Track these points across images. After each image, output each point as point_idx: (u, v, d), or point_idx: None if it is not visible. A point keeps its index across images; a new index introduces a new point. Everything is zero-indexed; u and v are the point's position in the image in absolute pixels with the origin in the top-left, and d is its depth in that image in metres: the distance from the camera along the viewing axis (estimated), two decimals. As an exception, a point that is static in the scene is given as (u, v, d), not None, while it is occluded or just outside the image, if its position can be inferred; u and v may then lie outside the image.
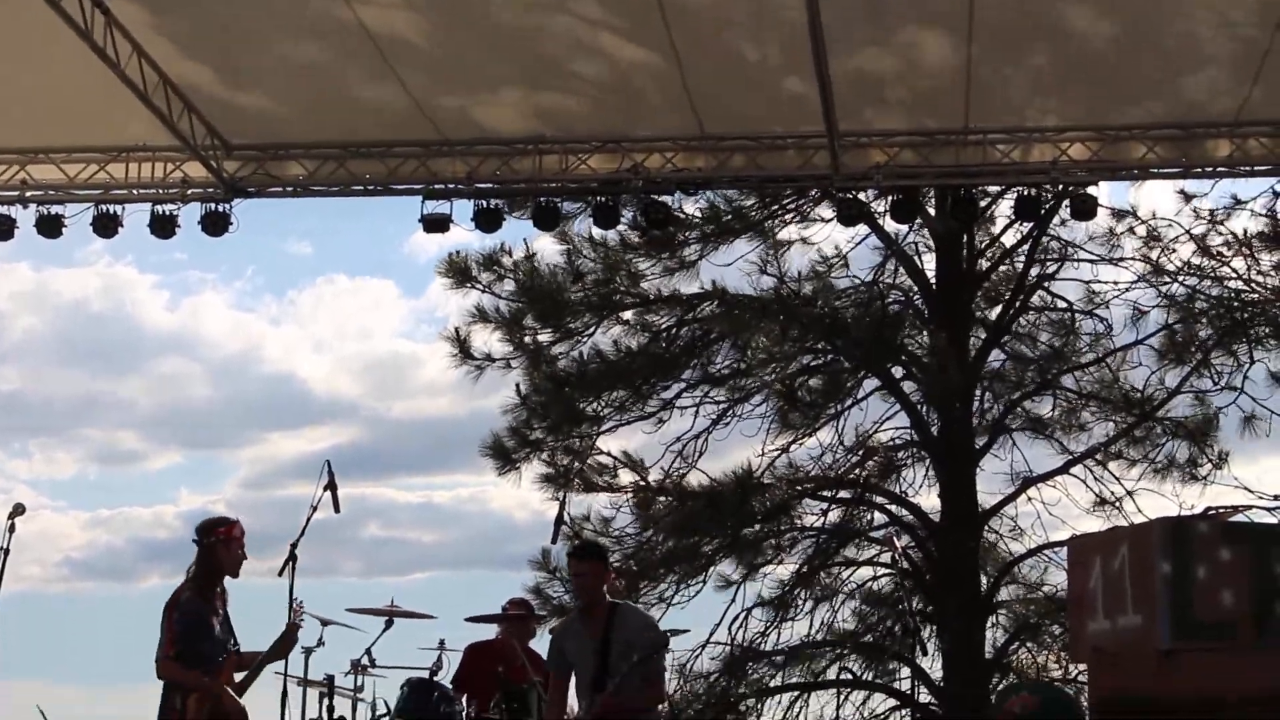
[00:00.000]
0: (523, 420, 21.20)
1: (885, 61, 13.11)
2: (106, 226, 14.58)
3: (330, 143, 14.52)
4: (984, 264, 21.51)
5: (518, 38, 13.00)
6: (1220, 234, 20.59)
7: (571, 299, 21.21)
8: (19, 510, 10.99)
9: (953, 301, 21.07)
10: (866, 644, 21.27)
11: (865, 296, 21.34)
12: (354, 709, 12.84)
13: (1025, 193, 14.50)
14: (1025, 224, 19.72)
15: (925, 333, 21.26)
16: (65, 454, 46.09)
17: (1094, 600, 7.68)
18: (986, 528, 21.11)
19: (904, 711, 21.14)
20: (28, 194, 14.60)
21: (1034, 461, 20.94)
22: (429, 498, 45.05)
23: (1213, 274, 20.66)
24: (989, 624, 21.05)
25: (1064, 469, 20.87)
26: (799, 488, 21.30)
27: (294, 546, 11.31)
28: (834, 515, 21.64)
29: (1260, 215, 20.41)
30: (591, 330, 21.37)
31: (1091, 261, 20.92)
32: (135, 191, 14.62)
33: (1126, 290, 20.81)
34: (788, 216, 21.23)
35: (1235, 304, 20.56)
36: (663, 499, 21.16)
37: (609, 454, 21.29)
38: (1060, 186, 14.35)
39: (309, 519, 11.57)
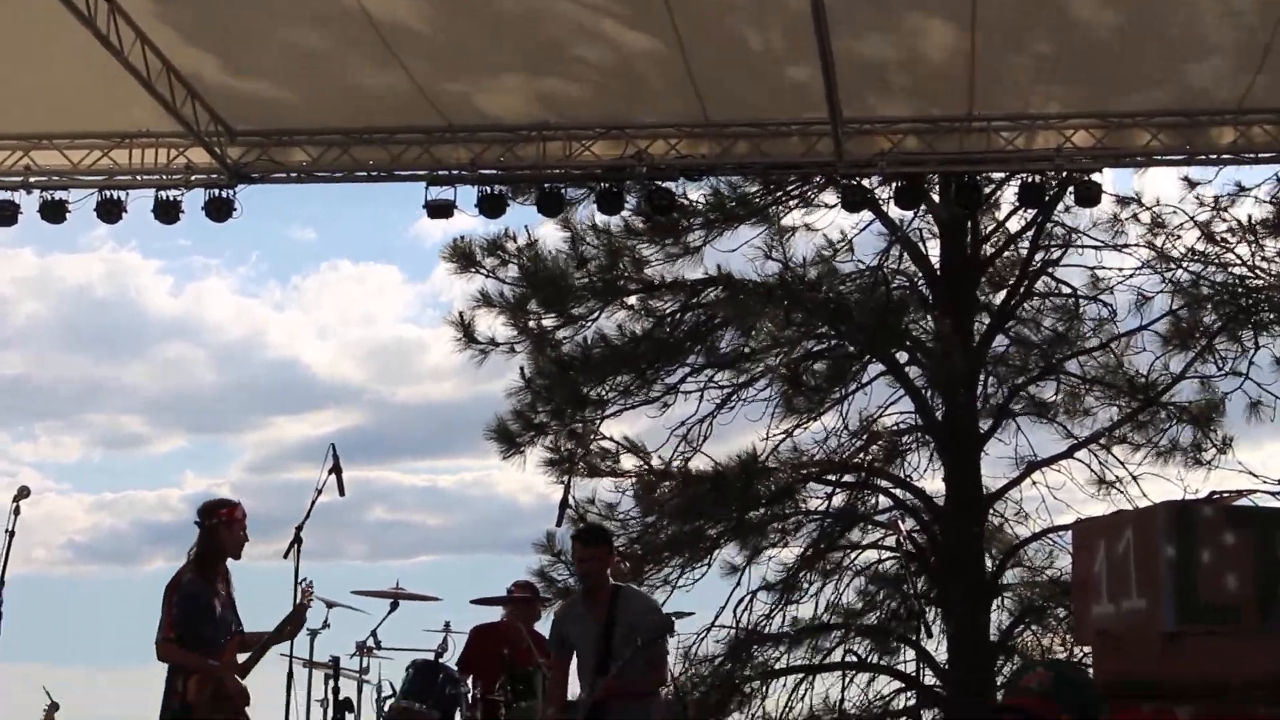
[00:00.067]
0: (527, 404, 21.23)
1: (889, 48, 13.11)
2: (110, 212, 14.60)
3: (334, 129, 14.54)
4: (988, 250, 21.52)
5: (520, 24, 13.01)
6: (1224, 220, 20.60)
7: (575, 284, 21.22)
8: (24, 493, 11.00)
9: (957, 287, 21.08)
10: (871, 627, 21.30)
11: (869, 282, 21.35)
12: (359, 691, 12.86)
13: (1029, 179, 14.50)
14: (1029, 210, 19.71)
15: (929, 318, 21.27)
16: (70, 437, 46.18)
17: (1098, 584, 7.69)
18: (991, 512, 21.13)
19: (908, 694, 21.16)
20: (31, 179, 14.63)
21: (1038, 446, 21.00)
22: (434, 481, 45.12)
23: (1217, 260, 20.68)
24: (994, 607, 21.08)
25: (1068, 453, 20.90)
26: (803, 472, 21.32)
27: (299, 529, 11.34)
28: (838, 499, 21.69)
29: (1264, 202, 20.43)
30: (596, 315, 21.39)
31: (1096, 248, 20.97)
32: (139, 177, 14.65)
33: (1131, 276, 20.85)
34: (792, 203, 21.24)
35: (1240, 290, 20.57)
36: (667, 483, 21.18)
37: (611, 439, 21.34)
38: (1064, 173, 14.36)
39: (314, 502, 11.61)
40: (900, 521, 18.94)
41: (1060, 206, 20.24)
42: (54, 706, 11.21)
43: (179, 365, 43.53)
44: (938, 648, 20.45)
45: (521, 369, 21.15)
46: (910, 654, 20.72)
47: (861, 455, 21.51)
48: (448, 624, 13.10)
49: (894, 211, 20.28)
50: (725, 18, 12.91)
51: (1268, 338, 20.40)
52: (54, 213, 14.61)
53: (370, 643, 12.98)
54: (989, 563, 21.12)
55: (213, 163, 14.54)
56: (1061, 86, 13.67)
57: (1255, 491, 8.57)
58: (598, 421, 21.40)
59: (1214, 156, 14.41)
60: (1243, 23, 12.49)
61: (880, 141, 14.08)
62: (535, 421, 21.20)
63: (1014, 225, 21.41)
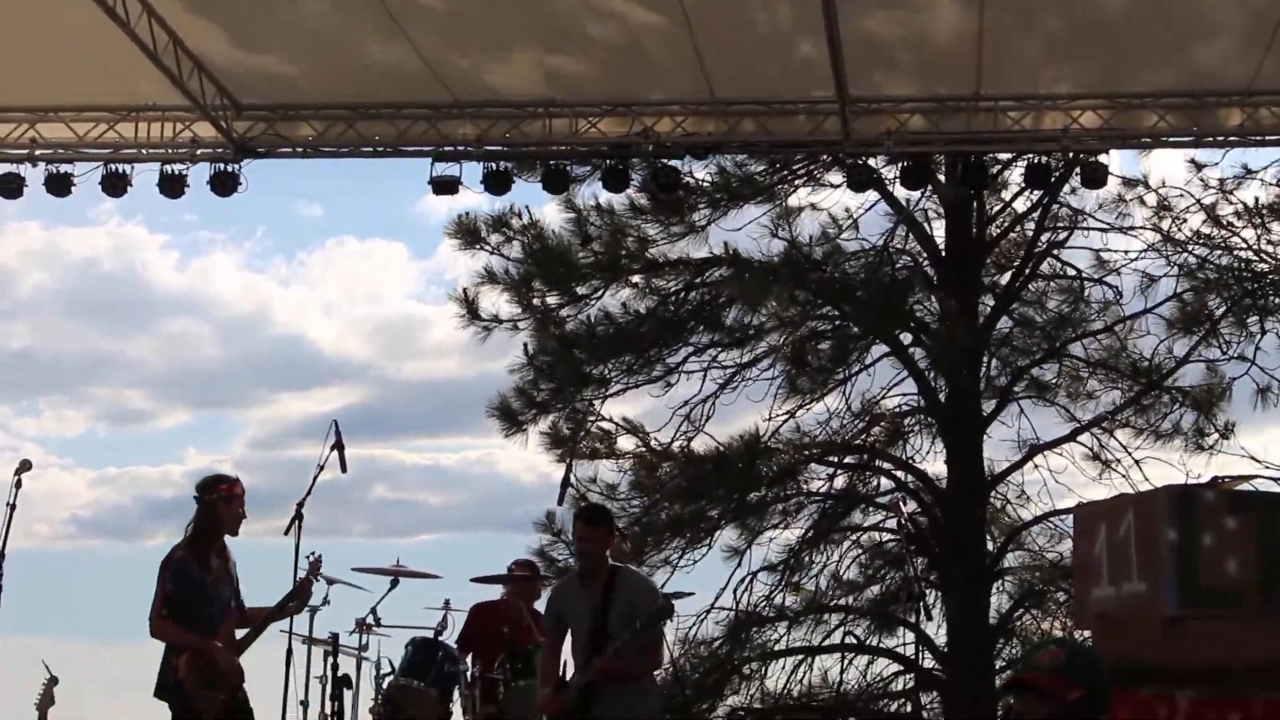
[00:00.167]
0: (529, 381, 21.23)
1: (897, 26, 13.07)
2: (115, 185, 14.57)
3: (340, 104, 14.50)
4: (994, 231, 21.49)
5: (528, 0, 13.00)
6: (1230, 203, 20.57)
7: (580, 262, 21.21)
8: (26, 466, 10.99)
9: (962, 268, 21.05)
10: (871, 608, 21.30)
11: (874, 262, 21.32)
12: (358, 668, 12.89)
13: (1036, 160, 14.48)
14: (1036, 191, 19.68)
15: (934, 299, 21.24)
16: (74, 412, 46.12)
17: (1099, 567, 7.69)
18: (993, 494, 21.12)
19: (908, 676, 21.17)
20: (37, 152, 14.60)
21: (1041, 429, 21.00)
22: (436, 460, 45.06)
23: (1223, 244, 20.64)
24: (994, 590, 21.08)
25: (1071, 436, 20.89)
26: (806, 453, 21.32)
27: (300, 505, 11.35)
28: (840, 481, 21.69)
29: (1271, 185, 20.40)
30: (600, 294, 21.39)
31: (1102, 230, 20.93)
32: (144, 151, 14.61)
33: (1136, 259, 20.82)
34: (797, 182, 21.22)
35: (1245, 274, 20.54)
36: (667, 464, 21.17)
37: (610, 419, 21.34)
38: (1071, 154, 14.33)
39: (315, 478, 11.62)
40: (902, 504, 18.93)
41: (1066, 188, 20.24)
42: (53, 680, 11.17)
43: (184, 340, 43.49)
44: (938, 630, 20.49)
45: (525, 346, 21.16)
46: (909, 636, 20.73)
47: (864, 437, 21.51)
48: (447, 602, 13.13)
49: (900, 192, 20.28)
50: (733, -5, 12.90)
51: (1273, 322, 20.37)
52: (59, 186, 14.59)
53: (370, 620, 13.00)
54: (990, 545, 21.12)
55: (218, 137, 14.50)
56: (1069, 67, 13.63)
57: (1257, 477, 8.58)
58: (600, 401, 21.41)
59: (1221, 139, 14.36)
60: (1251, 3, 12.45)
61: (887, 121, 14.03)
62: (538, 399, 21.21)
63: (1020, 206, 21.42)
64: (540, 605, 13.08)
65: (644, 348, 21.35)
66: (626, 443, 21.28)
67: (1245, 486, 8.18)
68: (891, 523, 20.82)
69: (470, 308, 21.17)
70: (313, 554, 11.24)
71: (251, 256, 48.24)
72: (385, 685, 12.65)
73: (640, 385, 21.49)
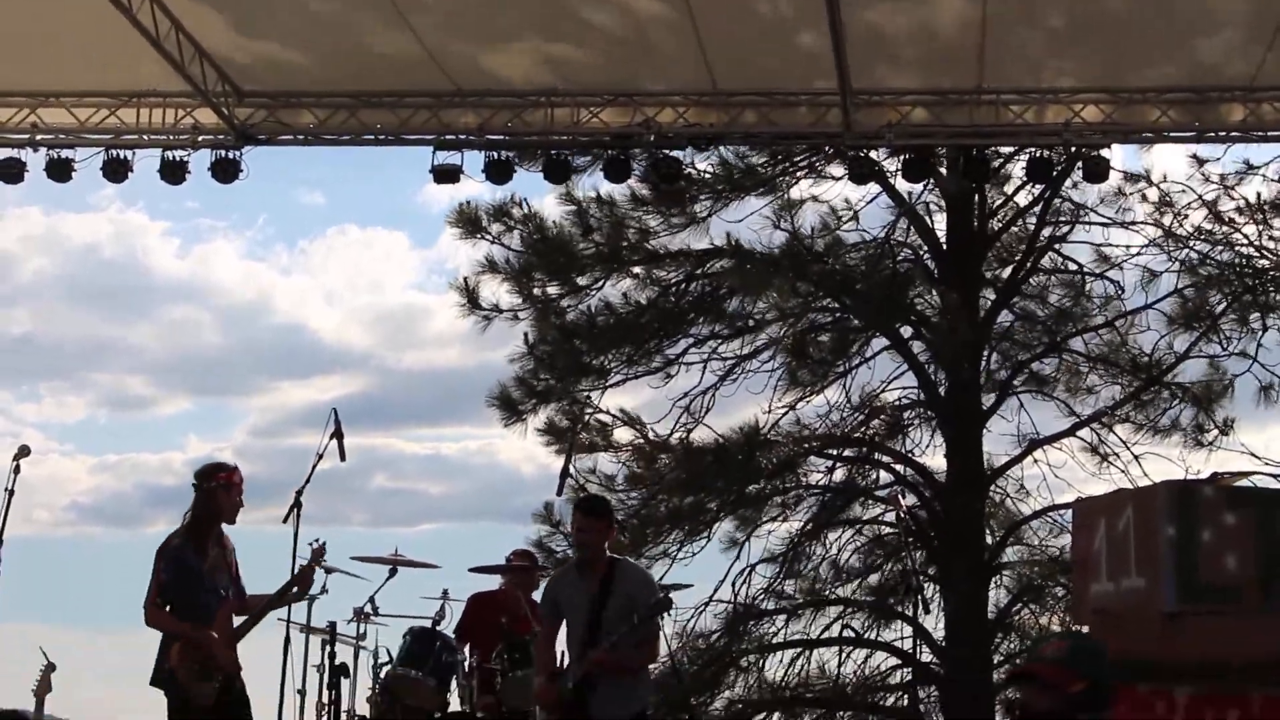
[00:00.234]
0: (530, 370, 21.22)
1: (899, 19, 13.06)
2: (116, 171, 14.56)
3: (342, 91, 14.48)
4: (995, 225, 21.48)
5: (531, -12, 13.00)
6: (1232, 199, 20.55)
7: (580, 253, 21.19)
8: (24, 452, 10.98)
9: (963, 262, 21.05)
10: (869, 602, 21.31)
11: (875, 254, 21.31)
12: (356, 657, 12.86)
13: (1038, 154, 14.46)
14: (1037, 185, 19.67)
15: (935, 292, 21.23)
16: (75, 398, 46.14)
17: (1098, 562, 7.68)
18: (993, 488, 21.12)
19: (905, 670, 21.18)
20: (38, 137, 14.59)
21: (1041, 424, 21.00)
22: (437, 449, 45.06)
23: (1224, 240, 20.62)
24: (993, 585, 21.08)
25: (1070, 431, 20.89)
26: (805, 445, 21.31)
27: (299, 494, 11.33)
28: (839, 473, 21.68)
29: (1273, 181, 20.37)
30: (600, 284, 21.37)
31: (1103, 224, 20.92)
32: (146, 137, 14.60)
33: (1137, 254, 20.80)
34: (799, 174, 21.20)
35: (1247, 270, 20.53)
36: (666, 456, 21.17)
37: (608, 411, 21.34)
38: (1073, 148, 14.32)
39: (314, 466, 11.60)
40: (901, 497, 18.96)
41: (1068, 182, 20.22)
42: (50, 667, 11.15)
43: (185, 327, 43.47)
44: (936, 625, 20.49)
45: (525, 335, 21.15)
46: (908, 630, 20.74)
47: (863, 430, 21.51)
48: (446, 591, 13.11)
49: (901, 185, 20.27)
50: (736, -14, 12.88)
51: (1275, 319, 20.36)
52: (60, 171, 14.57)
53: (368, 609, 12.98)
54: (989, 540, 21.12)
55: (220, 123, 14.49)
56: (1071, 61, 13.62)
57: (1257, 473, 8.55)
58: (600, 392, 21.41)
59: (1223, 134, 14.36)
60: (1254, -2, 12.46)
61: (889, 113, 14.02)
62: (538, 389, 21.20)
63: (1021, 200, 21.40)
64: (538, 595, 13.07)
65: (644, 339, 21.35)
66: (625, 435, 21.30)
67: (1245, 483, 8.17)
68: (890, 516, 20.82)
69: (471, 297, 21.17)
70: (316, 541, 11.23)
71: (253, 244, 48.26)
72: (383, 675, 12.64)
73: (640, 376, 21.51)
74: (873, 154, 15.02)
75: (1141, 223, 20.83)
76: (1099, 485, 20.25)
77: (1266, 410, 20.37)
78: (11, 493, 10.81)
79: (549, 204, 21.10)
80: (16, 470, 10.87)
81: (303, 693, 11.93)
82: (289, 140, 14.80)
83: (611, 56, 13.84)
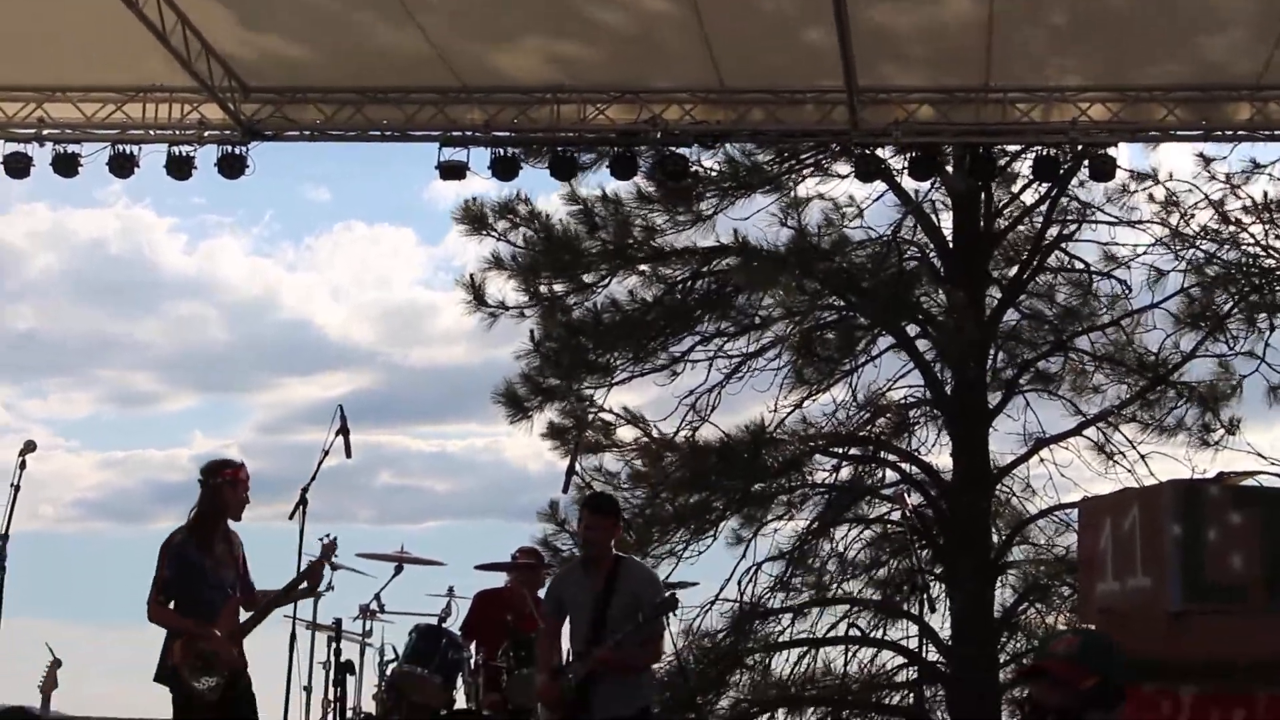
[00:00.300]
0: (535, 368, 21.21)
1: (906, 16, 13.04)
2: (123, 166, 14.57)
3: (348, 87, 14.48)
4: (1001, 223, 21.47)
5: (538, -15, 13.00)
6: (1239, 198, 20.53)
7: (586, 250, 21.19)
8: (30, 447, 10.99)
9: (969, 260, 21.04)
10: (875, 601, 21.30)
11: (882, 253, 21.30)
12: (361, 654, 12.86)
13: (1044, 152, 14.45)
14: (1044, 184, 19.66)
15: (941, 291, 21.22)
16: (81, 394, 46.19)
17: (1103, 561, 7.67)
18: (999, 487, 21.11)
19: (911, 669, 21.17)
20: (44, 132, 14.59)
21: (1047, 423, 20.98)
22: (443, 447, 45.07)
23: (1231, 239, 20.61)
24: (999, 584, 21.06)
25: (1076, 430, 20.87)
26: (811, 443, 21.30)
27: (305, 490, 11.31)
28: (845, 472, 21.67)
29: (1279, 180, 20.35)
30: (606, 281, 21.37)
31: (1110, 223, 20.91)
32: (152, 132, 14.62)
33: (1144, 253, 20.80)
34: (805, 172, 21.19)
35: (1254, 270, 20.51)
36: (672, 454, 21.16)
37: (611, 411, 21.34)
38: (1079, 147, 14.31)
39: (320, 463, 11.57)
40: (906, 496, 18.93)
41: (1074, 181, 20.20)
42: (57, 663, 11.15)
43: (191, 324, 43.50)
44: (942, 624, 20.48)
45: (531, 332, 21.15)
46: (913, 629, 20.74)
47: (869, 428, 21.50)
48: (451, 589, 13.10)
49: (908, 183, 20.25)
50: (742, -16, 12.88)
51: (1281, 318, 20.35)
52: (66, 166, 14.59)
53: (374, 606, 12.97)
54: (995, 539, 21.11)
55: (226, 119, 14.49)
56: (1078, 59, 13.60)
57: (1263, 472, 8.56)
58: (606, 389, 21.40)
59: (1230, 132, 14.35)
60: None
61: (895, 111, 14.02)
62: (543, 386, 21.20)
63: (1028, 199, 21.39)
64: (544, 593, 13.06)
65: (650, 336, 21.34)
66: (630, 433, 21.30)
67: (1250, 482, 8.16)
68: (896, 515, 20.80)
69: (476, 293, 21.17)
70: (327, 536, 11.21)
71: (259, 240, 48.28)
72: (389, 672, 12.64)
73: (646, 374, 21.50)
74: (879, 152, 15.01)
75: (1148, 221, 20.83)
76: (1105, 484, 20.28)
77: (1273, 410, 20.40)
78: (17, 488, 10.82)
79: (555, 200, 21.13)
80: (22, 466, 10.88)
81: (309, 689, 11.93)
82: (295, 136, 14.81)
83: (618, 54, 13.83)
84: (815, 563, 21.37)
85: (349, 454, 11.73)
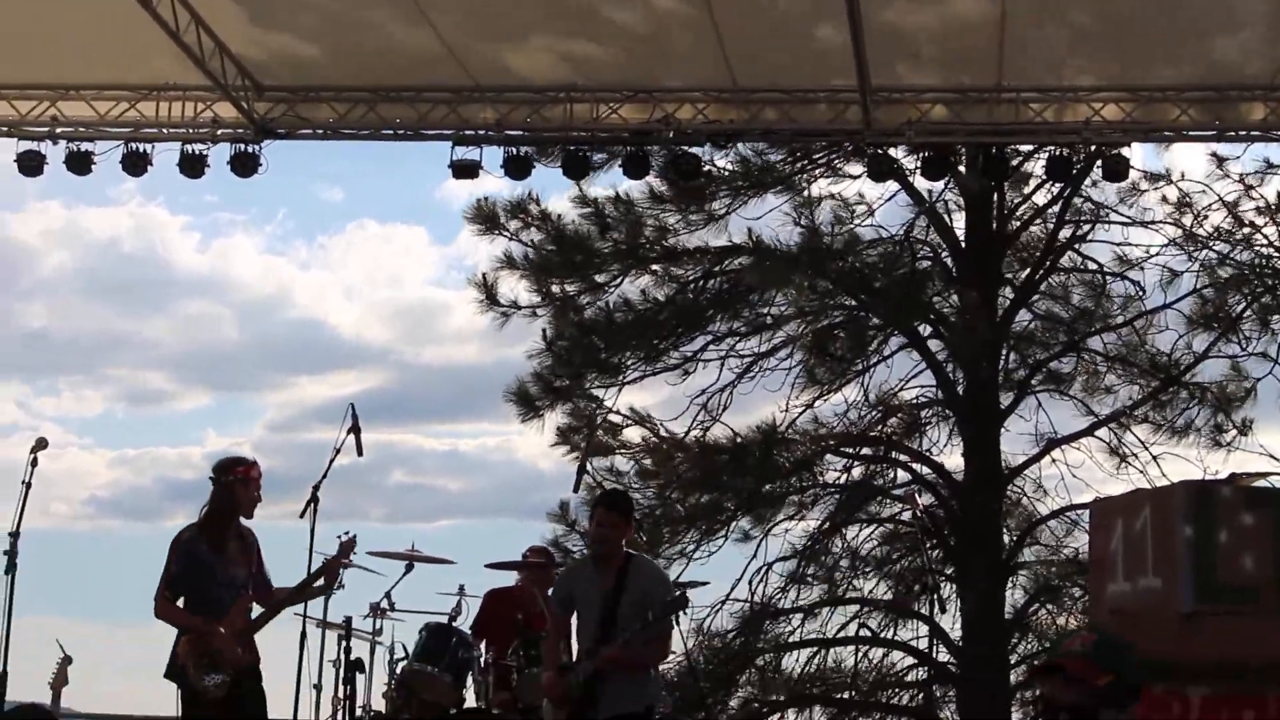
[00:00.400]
0: (547, 367, 21.21)
1: (919, 16, 13.03)
2: (136, 164, 14.58)
3: (361, 86, 14.48)
4: (1014, 224, 21.44)
5: (550, -17, 13.00)
6: (1252, 199, 20.49)
7: (598, 250, 21.19)
8: (41, 445, 11.01)
9: (982, 260, 21.01)
10: (885, 601, 21.28)
11: (894, 253, 21.29)
12: (371, 652, 12.89)
13: (1058, 152, 14.44)
14: (1057, 184, 19.63)
15: (953, 291, 21.20)
16: (94, 392, 46.26)
17: (1114, 562, 7.67)
18: (1010, 488, 21.08)
19: (921, 669, 21.15)
20: (58, 130, 14.60)
21: (1059, 423, 20.96)
22: (455, 446, 45.06)
23: (1244, 240, 20.57)
24: (1010, 584, 21.05)
25: (1088, 431, 20.85)
26: (823, 444, 21.29)
27: (316, 488, 11.32)
28: (857, 472, 21.65)
29: (1292, 181, 20.31)
30: (619, 281, 21.36)
31: (1123, 224, 20.89)
32: (165, 130, 14.62)
33: (1156, 254, 20.78)
34: (818, 172, 21.18)
35: (1267, 271, 20.48)
36: (681, 454, 21.15)
37: (619, 412, 21.32)
38: (1093, 147, 14.29)
39: (331, 461, 11.59)
40: (918, 496, 18.92)
41: (1087, 181, 20.18)
42: (67, 660, 11.18)
43: (203, 322, 43.51)
44: (953, 624, 20.46)
45: (544, 331, 21.14)
46: (923, 629, 20.72)
47: (881, 428, 21.48)
48: (462, 587, 13.13)
49: (920, 183, 20.23)
50: (756, -17, 12.87)
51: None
52: (79, 164, 14.60)
53: (384, 604, 12.99)
54: (1006, 539, 21.09)
55: (239, 117, 14.49)
56: (1091, 59, 13.58)
57: (1275, 474, 8.54)
58: (617, 389, 21.39)
59: (1243, 133, 14.33)
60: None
61: (908, 111, 14.00)
62: (555, 386, 21.19)
63: (1040, 199, 21.36)
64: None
65: (662, 336, 21.34)
66: (640, 434, 21.29)
67: (1263, 483, 8.16)
68: (907, 515, 20.78)
69: (489, 293, 21.16)
70: (346, 534, 11.22)
71: (272, 239, 48.31)
72: (399, 670, 12.66)
73: (658, 373, 21.50)
74: (892, 152, 15.00)
75: (1161, 222, 20.81)
76: (1117, 485, 20.24)
77: (1282, 410, 20.34)
78: (29, 485, 10.84)
79: (567, 200, 21.13)
80: (34, 463, 10.90)
81: (318, 688, 11.90)
82: (308, 135, 14.82)
83: (631, 53, 13.83)
84: (828, 560, 21.35)
85: (360, 452, 11.75)
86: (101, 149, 14.63)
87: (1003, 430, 20.89)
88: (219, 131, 14.55)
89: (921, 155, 14.49)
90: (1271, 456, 19.59)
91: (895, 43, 13.28)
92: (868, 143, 14.41)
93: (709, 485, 21.01)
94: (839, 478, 21.56)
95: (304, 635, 11.39)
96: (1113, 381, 20.91)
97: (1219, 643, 6.99)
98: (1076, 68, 13.71)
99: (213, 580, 10.67)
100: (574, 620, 10.76)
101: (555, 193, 21.40)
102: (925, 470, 21.22)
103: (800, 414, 21.11)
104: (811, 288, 21.10)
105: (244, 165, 14.54)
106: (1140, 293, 20.76)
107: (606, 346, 21.32)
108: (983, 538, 20.53)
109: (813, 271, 20.91)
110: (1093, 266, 21.10)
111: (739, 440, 20.95)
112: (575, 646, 10.77)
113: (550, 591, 12.47)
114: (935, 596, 16.96)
